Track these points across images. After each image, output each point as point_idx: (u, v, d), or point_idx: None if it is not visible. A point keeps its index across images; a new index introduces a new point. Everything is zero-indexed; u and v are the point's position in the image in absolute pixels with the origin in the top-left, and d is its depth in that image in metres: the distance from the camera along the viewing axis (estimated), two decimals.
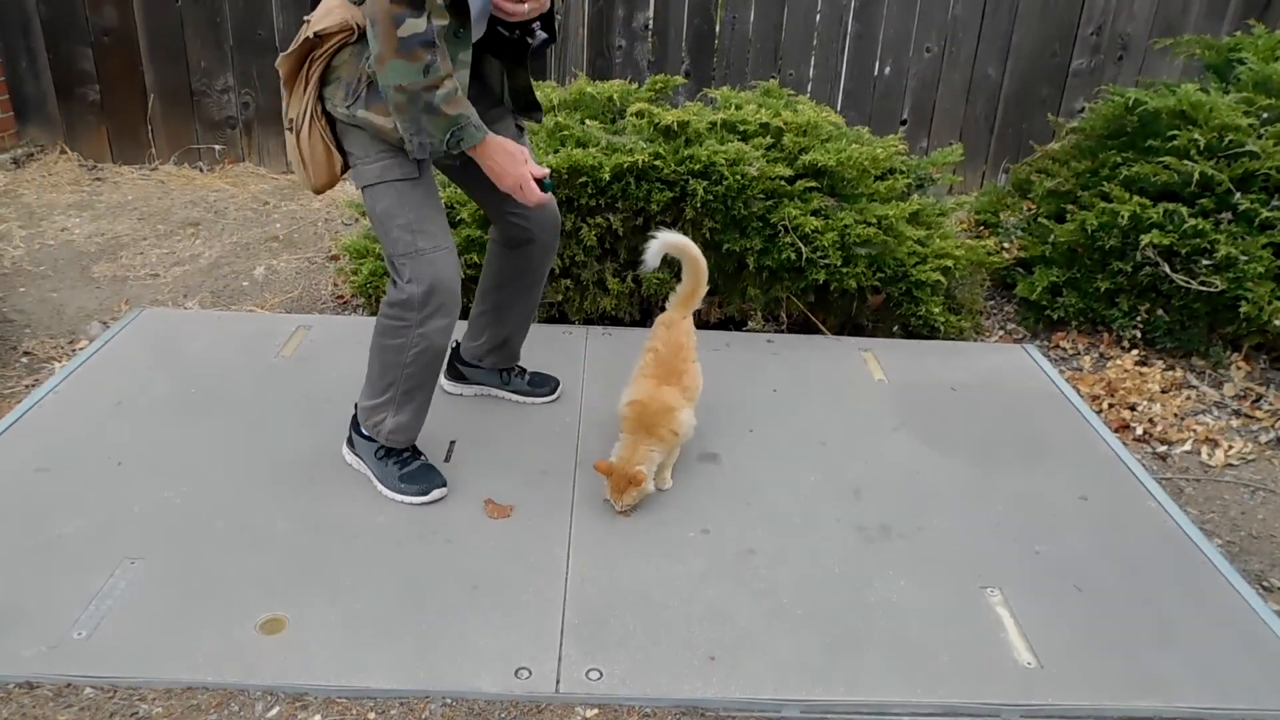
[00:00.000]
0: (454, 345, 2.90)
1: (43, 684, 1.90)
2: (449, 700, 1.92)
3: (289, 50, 2.20)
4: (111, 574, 2.15)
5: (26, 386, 3.06)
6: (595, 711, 1.91)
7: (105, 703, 1.87)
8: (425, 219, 2.27)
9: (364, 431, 2.51)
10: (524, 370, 2.98)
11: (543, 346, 3.29)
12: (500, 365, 2.94)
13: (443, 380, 2.93)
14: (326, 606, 2.10)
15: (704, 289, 2.70)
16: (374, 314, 3.50)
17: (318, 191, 2.35)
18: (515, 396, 2.96)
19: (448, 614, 2.10)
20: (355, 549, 2.29)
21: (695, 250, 2.63)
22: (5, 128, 5.07)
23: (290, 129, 2.27)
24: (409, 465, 2.51)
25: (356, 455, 2.58)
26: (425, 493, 2.48)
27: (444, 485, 2.50)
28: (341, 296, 3.81)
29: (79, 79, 5.06)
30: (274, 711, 1.88)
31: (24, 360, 3.25)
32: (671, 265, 3.43)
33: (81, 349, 3.26)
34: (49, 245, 4.18)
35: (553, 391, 2.98)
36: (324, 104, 2.23)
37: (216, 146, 5.24)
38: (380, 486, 2.51)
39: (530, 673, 1.96)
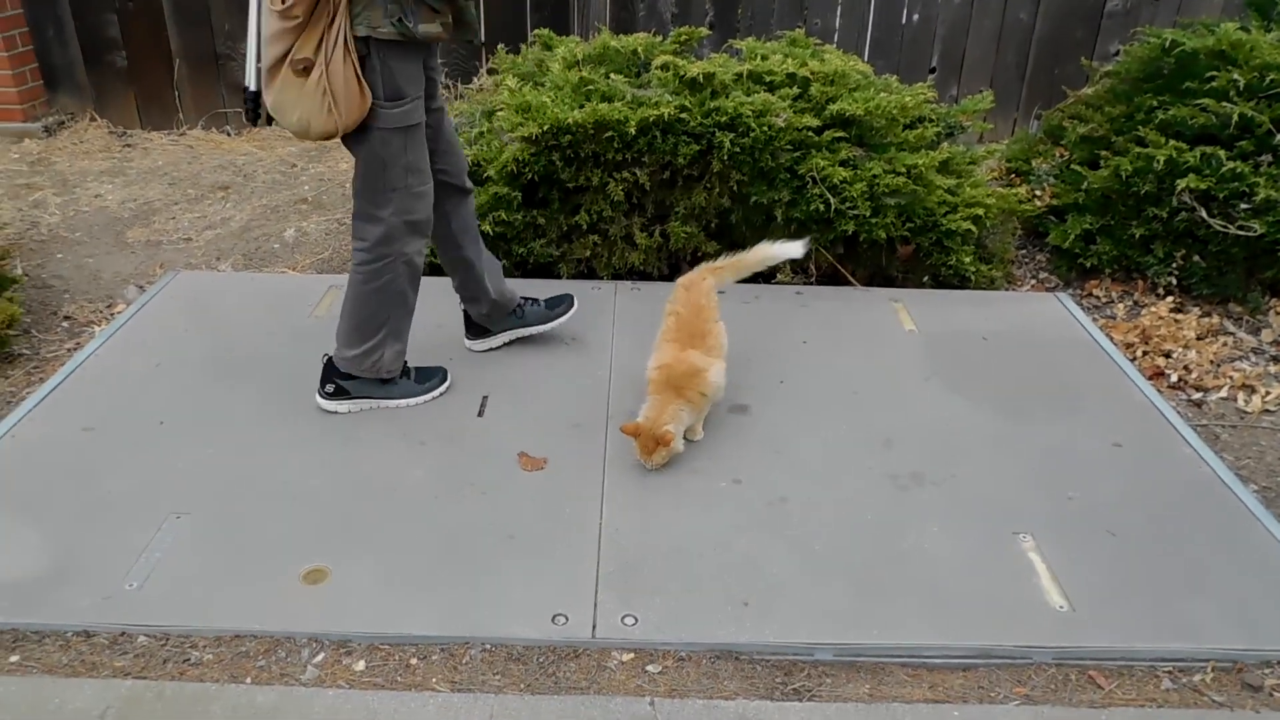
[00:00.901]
0: (465, 312, 2.97)
1: (99, 633, 1.97)
2: (488, 646, 1.97)
3: None
4: (159, 528, 2.22)
5: (68, 350, 3.13)
6: (631, 655, 1.95)
7: (158, 650, 1.94)
8: (421, 158, 2.43)
9: (357, 374, 2.63)
10: (534, 299, 3.04)
11: None
12: (508, 311, 2.99)
13: (469, 341, 3.01)
14: (367, 557, 2.15)
15: (738, 276, 2.77)
16: None
17: (341, 133, 2.29)
18: (541, 326, 3.02)
19: (485, 564, 2.15)
20: (393, 502, 2.34)
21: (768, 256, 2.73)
22: (35, 96, 5.12)
23: (303, 69, 2.18)
24: (412, 373, 2.75)
25: (348, 400, 2.67)
26: (444, 377, 2.80)
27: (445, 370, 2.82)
28: None
29: (106, 46, 5.08)
30: (319, 657, 1.94)
31: (65, 325, 3.31)
32: (699, 219, 3.43)
33: (119, 312, 3.32)
34: (83, 212, 4.24)
35: (571, 305, 3.05)
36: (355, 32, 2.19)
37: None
38: (399, 403, 2.70)
39: (567, 619, 2.00)
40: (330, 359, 2.66)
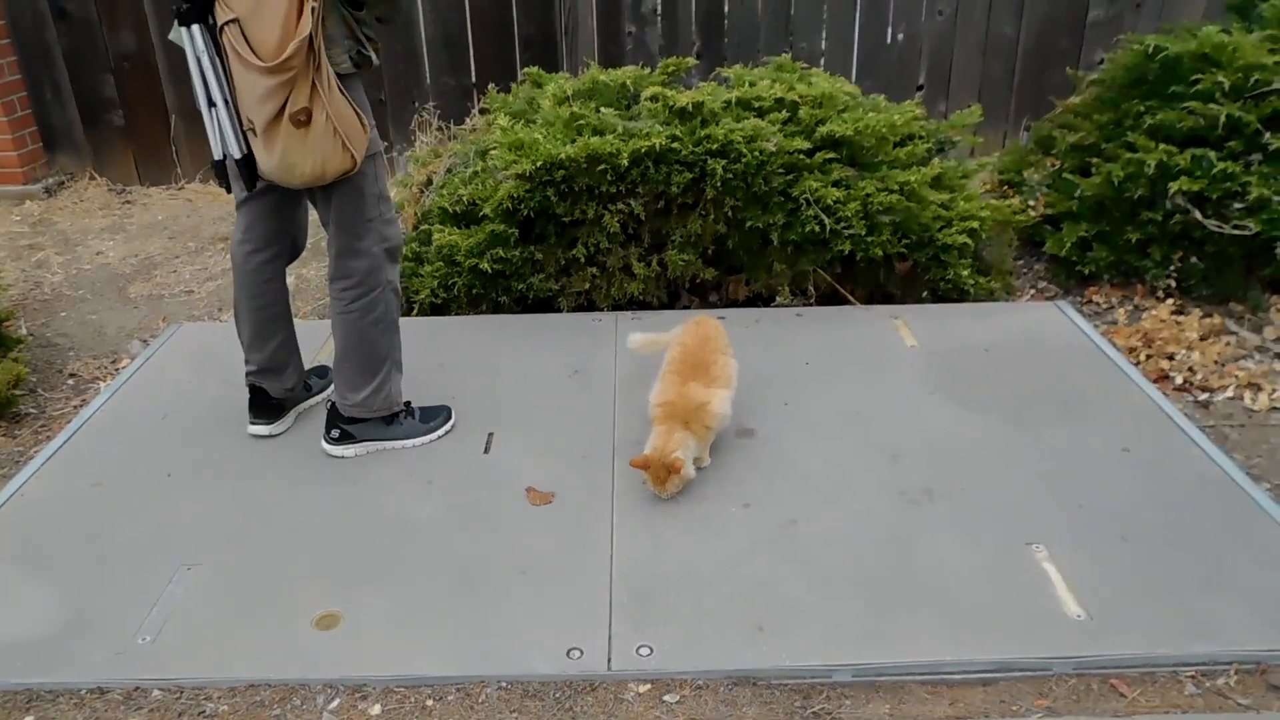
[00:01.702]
0: (258, 390, 2.74)
1: (112, 689, 1.96)
2: (504, 684, 1.95)
3: (291, 48, 2.10)
4: (170, 580, 2.21)
5: (75, 407, 3.14)
6: (648, 687, 1.94)
7: (173, 703, 1.93)
8: (385, 185, 2.52)
9: (368, 416, 2.64)
10: (309, 372, 2.94)
11: (573, 334, 3.32)
12: (304, 380, 2.88)
13: (256, 428, 2.77)
14: (379, 599, 2.15)
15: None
16: (405, 314, 3.55)
17: (352, 171, 2.30)
18: (325, 394, 2.89)
19: (498, 600, 2.14)
20: (403, 541, 2.33)
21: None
22: (35, 158, 5.19)
23: (305, 120, 2.18)
24: (417, 412, 2.76)
25: (355, 444, 2.67)
26: (449, 416, 2.80)
27: (449, 409, 2.82)
28: None
29: (103, 105, 5.16)
30: (335, 703, 1.93)
31: (70, 382, 3.33)
32: (696, 246, 3.45)
33: (124, 367, 3.33)
34: (85, 269, 4.27)
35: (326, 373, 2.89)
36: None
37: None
38: (405, 444, 2.69)
39: (582, 652, 1.99)
40: (334, 405, 2.66)
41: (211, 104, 2.23)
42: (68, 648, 2.03)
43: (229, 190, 2.41)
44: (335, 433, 2.66)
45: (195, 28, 2.18)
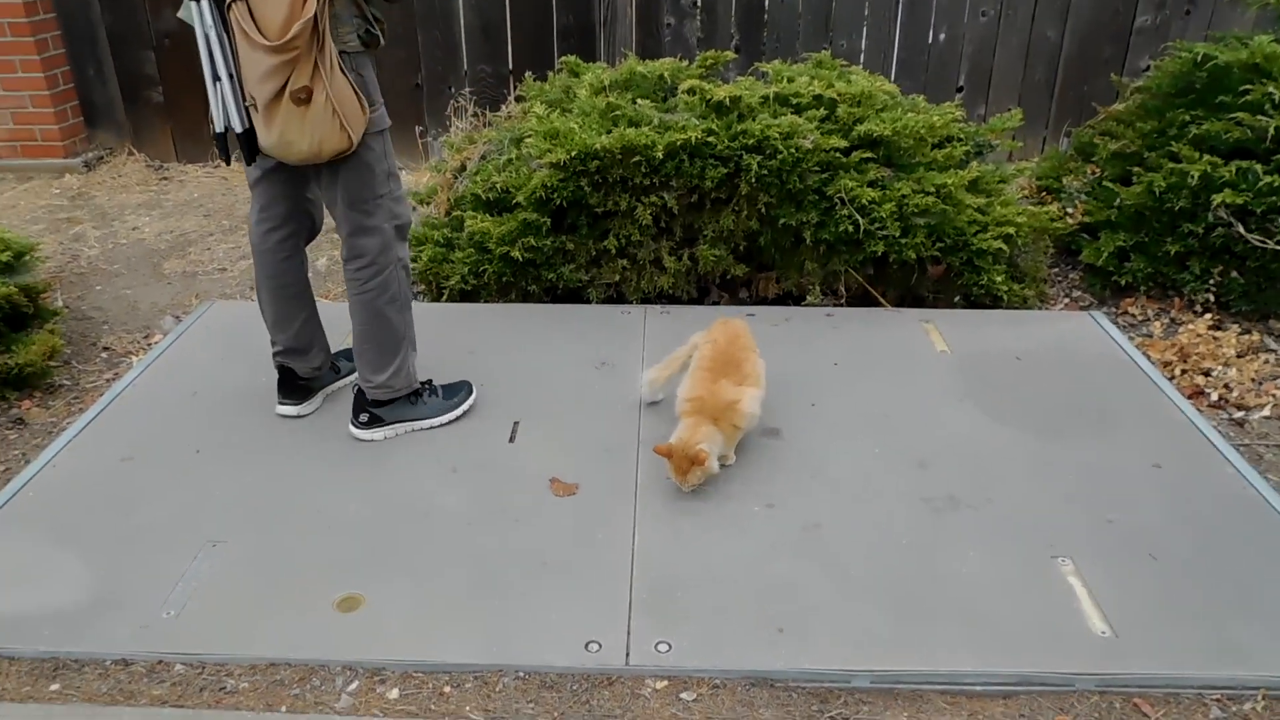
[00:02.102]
0: (287, 370, 2.78)
1: (136, 661, 1.98)
2: (521, 674, 1.96)
3: (295, 28, 2.13)
4: (196, 557, 2.24)
5: (107, 380, 3.18)
6: (665, 683, 1.94)
7: (195, 678, 1.95)
8: (394, 163, 2.53)
9: (392, 398, 2.66)
10: (337, 354, 2.96)
11: (602, 327, 3.32)
12: (332, 361, 2.90)
13: (284, 408, 2.81)
14: (401, 585, 2.16)
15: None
16: (435, 300, 3.57)
17: (349, 150, 2.32)
18: (353, 377, 2.84)
19: (518, 590, 2.14)
20: (426, 528, 2.34)
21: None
22: (76, 133, 5.25)
23: (305, 98, 2.21)
24: (439, 390, 2.78)
25: (384, 427, 2.69)
26: (470, 390, 2.82)
27: (470, 384, 2.86)
28: None
29: (144, 83, 5.21)
30: (353, 685, 1.94)
31: (104, 355, 3.37)
32: (728, 242, 3.43)
33: (156, 343, 3.37)
34: (121, 244, 4.32)
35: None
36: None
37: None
38: (433, 422, 2.72)
39: (600, 646, 1.99)
40: (360, 390, 2.68)
41: (217, 78, 2.28)
42: (94, 619, 2.06)
43: (227, 162, 2.43)
44: (364, 417, 2.68)
45: (204, 3, 2.23)
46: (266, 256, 2.63)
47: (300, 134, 2.25)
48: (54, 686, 1.94)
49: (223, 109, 2.30)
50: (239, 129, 2.31)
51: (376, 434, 2.69)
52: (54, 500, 2.46)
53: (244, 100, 2.29)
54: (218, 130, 2.33)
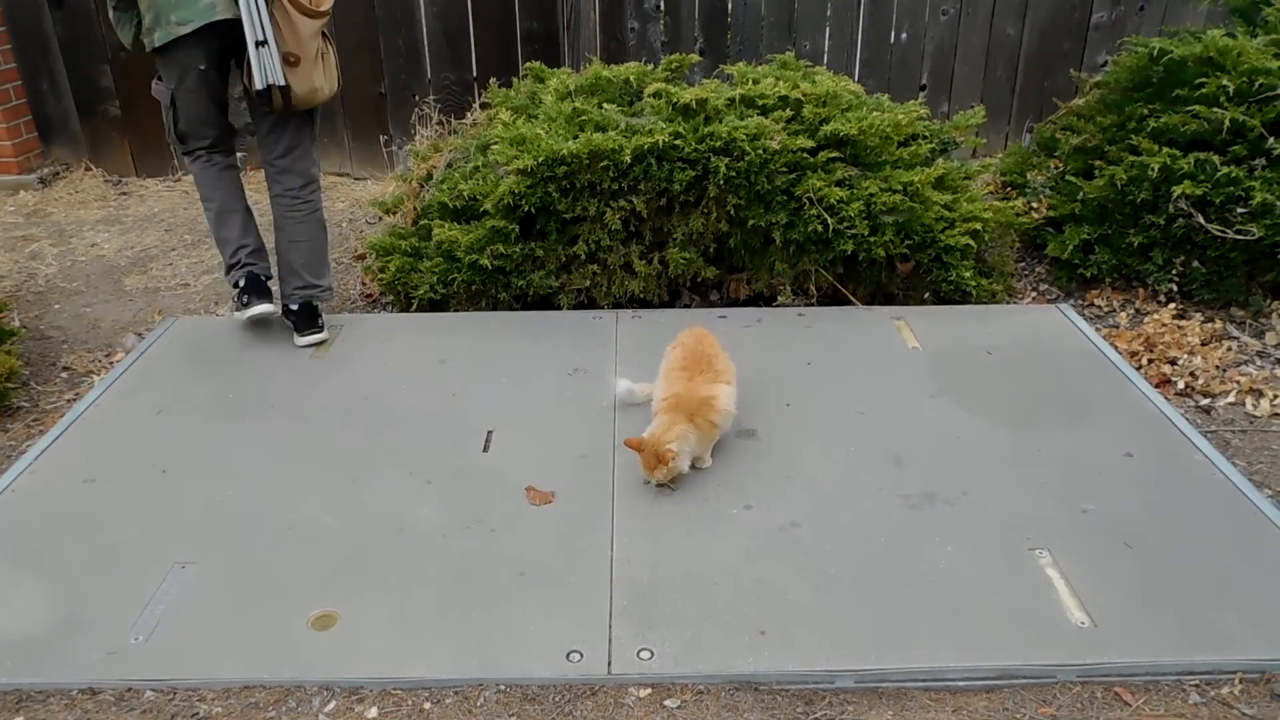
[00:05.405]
0: (254, 276, 3.20)
1: (104, 689, 1.93)
2: (502, 687, 1.93)
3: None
4: (164, 578, 2.18)
5: (68, 400, 3.11)
6: (648, 691, 1.92)
7: (166, 705, 1.90)
8: None
9: (327, 299, 3.24)
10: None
11: (574, 333, 3.30)
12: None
13: (262, 308, 3.17)
14: (377, 600, 2.12)
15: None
16: (404, 310, 3.54)
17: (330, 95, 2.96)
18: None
19: (497, 602, 2.11)
20: (401, 542, 2.31)
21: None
22: (30, 148, 5.14)
23: (324, 54, 2.89)
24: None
25: (319, 329, 3.21)
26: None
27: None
28: (370, 295, 3.82)
29: (100, 96, 5.11)
30: (330, 706, 1.90)
31: (64, 375, 3.29)
32: (697, 244, 3.42)
33: (119, 361, 3.30)
34: (80, 261, 4.23)
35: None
36: None
37: (238, 154, 5.27)
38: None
39: (582, 655, 1.96)
40: (304, 303, 3.17)
41: (261, 43, 2.74)
42: (59, 647, 2.00)
43: (252, 118, 3.04)
44: (321, 320, 3.22)
45: None
46: (231, 176, 3.18)
47: (324, 81, 2.89)
48: (18, 719, 1.88)
49: (265, 69, 2.77)
50: (281, 83, 2.81)
51: (314, 337, 3.19)
52: (15, 525, 2.39)
53: (284, 60, 2.78)
54: (259, 89, 2.80)
